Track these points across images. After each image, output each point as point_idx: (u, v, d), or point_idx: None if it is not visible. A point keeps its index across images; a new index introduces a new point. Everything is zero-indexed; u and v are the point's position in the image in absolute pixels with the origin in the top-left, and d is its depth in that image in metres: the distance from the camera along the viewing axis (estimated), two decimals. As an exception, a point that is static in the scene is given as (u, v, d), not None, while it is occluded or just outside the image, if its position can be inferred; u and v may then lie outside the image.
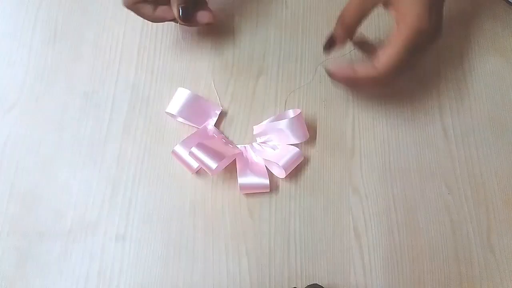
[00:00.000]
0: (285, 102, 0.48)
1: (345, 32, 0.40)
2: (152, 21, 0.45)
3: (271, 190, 0.45)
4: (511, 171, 0.47)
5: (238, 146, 0.46)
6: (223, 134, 0.47)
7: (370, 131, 0.48)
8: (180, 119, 0.47)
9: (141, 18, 0.44)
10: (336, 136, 0.47)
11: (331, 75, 0.43)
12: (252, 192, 0.45)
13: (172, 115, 0.46)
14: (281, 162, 0.43)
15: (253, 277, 0.42)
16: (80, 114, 0.47)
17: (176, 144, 0.44)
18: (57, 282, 0.42)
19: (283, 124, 0.44)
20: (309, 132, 0.46)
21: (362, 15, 0.39)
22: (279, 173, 0.45)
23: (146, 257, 0.43)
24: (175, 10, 0.42)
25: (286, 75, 0.49)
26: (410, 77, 0.49)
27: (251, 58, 0.50)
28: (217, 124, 0.47)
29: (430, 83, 0.50)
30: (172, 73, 0.49)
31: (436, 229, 0.44)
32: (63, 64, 0.49)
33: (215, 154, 0.42)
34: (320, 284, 0.41)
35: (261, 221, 0.44)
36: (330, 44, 0.41)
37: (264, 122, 0.46)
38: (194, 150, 0.42)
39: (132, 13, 0.43)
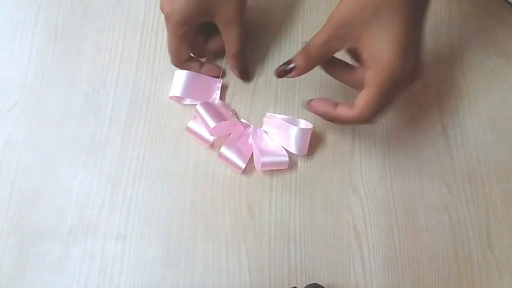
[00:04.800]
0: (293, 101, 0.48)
1: (306, 64, 0.38)
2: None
3: (271, 189, 0.45)
4: (511, 171, 0.47)
5: (246, 122, 0.47)
6: (231, 107, 0.48)
7: (370, 131, 0.48)
8: (186, 101, 0.48)
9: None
10: (336, 136, 0.47)
11: (308, 107, 0.41)
12: (272, 168, 0.45)
13: (176, 98, 0.47)
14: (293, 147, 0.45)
15: (253, 277, 0.42)
16: (80, 114, 0.47)
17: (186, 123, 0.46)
18: (57, 282, 0.42)
19: (292, 130, 0.44)
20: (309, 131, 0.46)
21: (328, 52, 0.37)
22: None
23: (146, 257, 0.43)
24: (236, 73, 0.47)
25: (286, 75, 0.49)
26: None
27: (251, 58, 0.50)
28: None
29: (429, 83, 0.50)
30: (172, 73, 0.49)
31: (436, 228, 0.45)
32: (64, 64, 0.49)
33: (216, 116, 0.43)
34: (320, 284, 0.41)
35: (261, 221, 0.44)
36: (286, 72, 0.39)
37: (280, 116, 0.46)
38: (198, 108, 0.44)
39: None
